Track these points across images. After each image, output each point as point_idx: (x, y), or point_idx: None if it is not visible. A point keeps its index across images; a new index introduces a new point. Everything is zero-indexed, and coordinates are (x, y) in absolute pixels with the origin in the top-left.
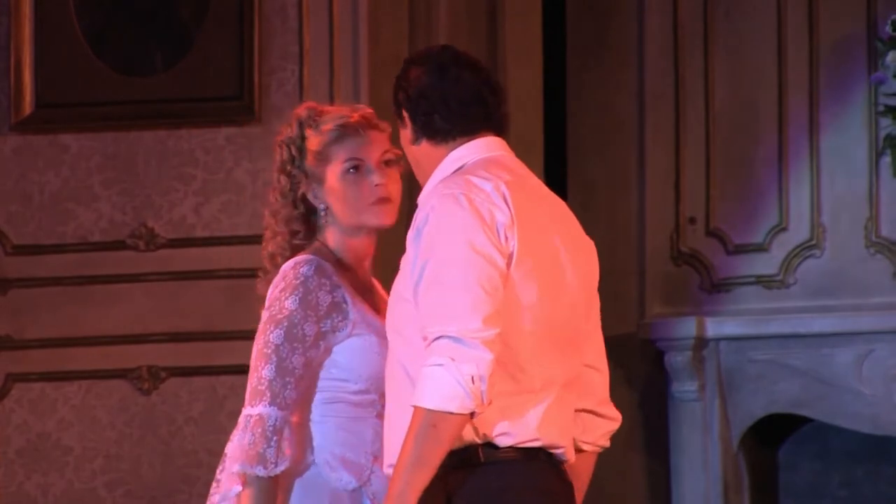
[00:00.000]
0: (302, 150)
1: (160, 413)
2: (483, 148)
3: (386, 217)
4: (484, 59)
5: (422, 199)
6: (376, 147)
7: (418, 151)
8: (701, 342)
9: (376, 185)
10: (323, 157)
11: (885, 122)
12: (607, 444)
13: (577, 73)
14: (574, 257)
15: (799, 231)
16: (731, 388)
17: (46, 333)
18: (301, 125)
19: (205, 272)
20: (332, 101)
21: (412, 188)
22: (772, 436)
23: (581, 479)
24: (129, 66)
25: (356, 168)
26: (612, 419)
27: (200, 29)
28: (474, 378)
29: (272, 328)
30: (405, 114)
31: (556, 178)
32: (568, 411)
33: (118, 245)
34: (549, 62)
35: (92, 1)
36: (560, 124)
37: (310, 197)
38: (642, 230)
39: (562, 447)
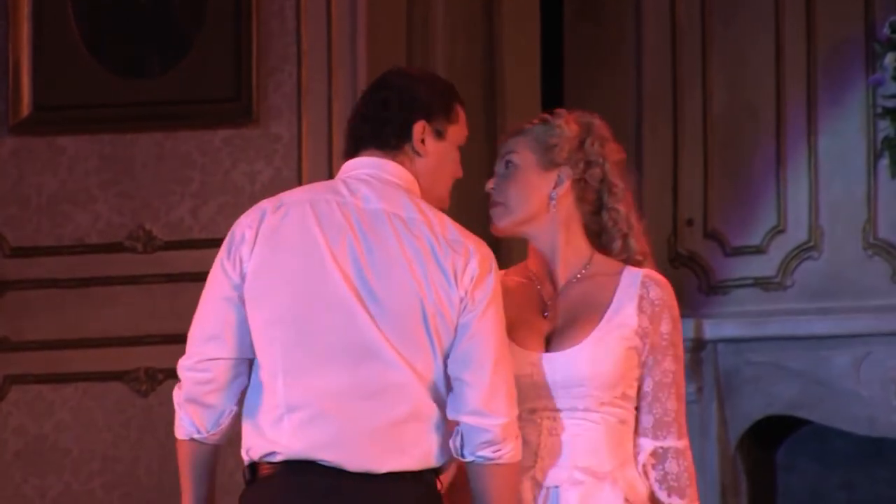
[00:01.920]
0: None
1: (157, 415)
2: (343, 169)
3: (495, 219)
4: (481, 63)
5: None
6: (501, 153)
7: None
8: (699, 344)
9: (488, 192)
10: None
11: (883, 124)
12: (491, 455)
13: (574, 77)
14: (381, 275)
15: (797, 233)
16: (728, 389)
17: (44, 335)
18: None
19: (202, 274)
20: (329, 103)
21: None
22: (770, 438)
23: (482, 491)
24: (127, 68)
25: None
26: (484, 429)
27: (198, 31)
28: (176, 406)
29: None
30: None
31: None
32: (355, 423)
33: (116, 247)
34: (547, 66)
35: (90, 3)
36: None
37: None
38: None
39: (327, 460)
